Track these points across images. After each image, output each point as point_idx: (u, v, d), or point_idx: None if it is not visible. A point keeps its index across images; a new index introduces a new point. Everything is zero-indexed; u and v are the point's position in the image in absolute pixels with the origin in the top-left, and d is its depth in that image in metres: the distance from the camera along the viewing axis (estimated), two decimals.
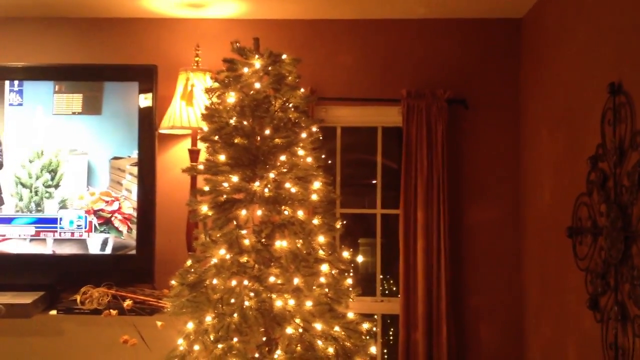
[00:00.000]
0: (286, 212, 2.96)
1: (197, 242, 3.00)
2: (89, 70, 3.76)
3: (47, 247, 3.70)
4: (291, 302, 2.86)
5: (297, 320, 2.86)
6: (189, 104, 3.65)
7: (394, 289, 4.18)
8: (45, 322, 3.49)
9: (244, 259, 2.91)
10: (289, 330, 2.81)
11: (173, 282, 2.96)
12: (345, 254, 3.09)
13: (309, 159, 3.10)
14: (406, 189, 3.86)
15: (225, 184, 3.00)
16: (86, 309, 3.48)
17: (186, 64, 3.81)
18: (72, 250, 3.70)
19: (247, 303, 2.83)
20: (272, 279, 2.88)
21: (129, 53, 3.96)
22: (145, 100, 3.65)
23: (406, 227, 3.83)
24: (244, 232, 2.94)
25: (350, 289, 3.08)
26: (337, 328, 2.94)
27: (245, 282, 2.88)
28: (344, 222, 3.11)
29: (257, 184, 2.95)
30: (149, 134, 3.67)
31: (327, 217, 3.11)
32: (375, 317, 4.14)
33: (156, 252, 3.73)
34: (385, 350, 4.34)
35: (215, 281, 2.93)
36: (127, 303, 3.50)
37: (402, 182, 3.86)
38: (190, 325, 2.92)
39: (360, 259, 3.11)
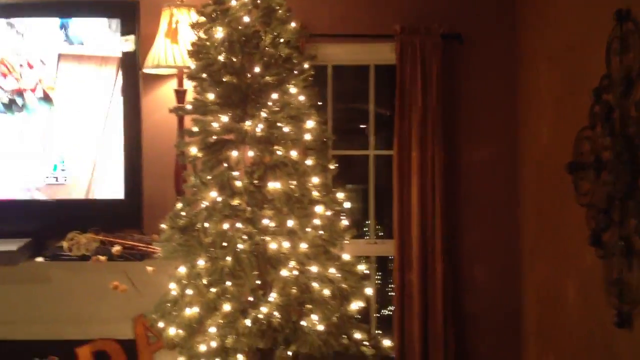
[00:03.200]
0: (279, 153, 2.86)
1: (186, 184, 2.90)
2: (61, 6, 3.55)
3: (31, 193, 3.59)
4: (285, 244, 2.79)
5: (292, 263, 2.79)
6: (174, 41, 3.49)
7: (384, 234, 4.10)
8: (32, 269, 3.39)
9: (235, 201, 2.82)
10: (284, 272, 2.74)
11: (163, 226, 2.88)
12: (340, 195, 3.01)
13: (302, 97, 2.98)
14: (400, 128, 3.75)
15: (215, 124, 2.88)
16: (74, 255, 3.39)
17: None
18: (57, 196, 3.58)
19: (240, 246, 2.75)
20: (265, 222, 2.80)
21: None
22: (127, 40, 3.48)
23: (400, 167, 3.74)
24: (235, 173, 2.84)
25: (346, 230, 3.02)
26: (332, 270, 2.88)
27: (238, 225, 2.80)
28: (336, 165, 3.02)
29: (248, 123, 2.84)
30: (132, 75, 3.51)
31: (321, 157, 3.02)
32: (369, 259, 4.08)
33: (144, 196, 3.63)
34: (380, 293, 4.30)
35: (207, 224, 2.84)
36: (116, 249, 3.41)
37: (396, 122, 3.75)
38: (183, 270, 2.85)
39: (347, 205, 2.99)
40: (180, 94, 3.55)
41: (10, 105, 3.54)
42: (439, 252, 3.68)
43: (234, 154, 2.85)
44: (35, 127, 3.55)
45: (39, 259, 3.44)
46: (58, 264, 3.40)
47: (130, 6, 3.50)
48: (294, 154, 2.88)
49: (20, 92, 3.53)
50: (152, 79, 3.72)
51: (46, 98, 3.54)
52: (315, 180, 2.92)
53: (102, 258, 3.39)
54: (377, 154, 4.02)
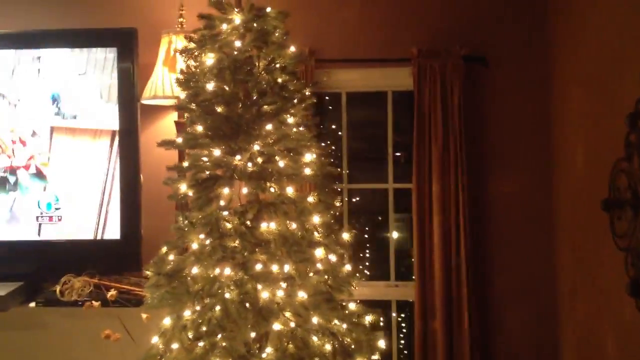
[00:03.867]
0: (272, 190, 2.58)
1: (174, 225, 2.64)
2: (59, 36, 3.38)
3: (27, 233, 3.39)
4: (280, 292, 2.49)
5: (287, 314, 2.49)
6: (172, 70, 3.27)
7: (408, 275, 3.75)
8: (23, 315, 3.18)
9: (229, 243, 2.54)
10: (277, 326, 2.44)
11: (148, 273, 2.61)
12: (345, 236, 2.71)
13: (301, 128, 2.71)
14: (419, 159, 3.43)
15: (205, 159, 2.63)
16: (66, 300, 3.16)
17: (169, 25, 3.42)
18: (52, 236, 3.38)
19: (228, 295, 2.47)
20: (258, 267, 2.51)
21: (105, 16, 3.58)
22: (125, 68, 3.28)
23: (420, 202, 3.41)
24: (226, 213, 2.57)
25: (351, 275, 2.72)
26: (336, 321, 2.57)
27: (228, 272, 2.52)
28: (355, 199, 2.73)
29: (238, 157, 2.57)
30: (130, 106, 3.30)
31: (323, 194, 2.73)
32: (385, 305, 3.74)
33: (144, 236, 3.39)
34: (402, 342, 3.94)
35: (195, 270, 2.57)
36: (111, 293, 3.16)
37: (414, 152, 3.44)
38: (168, 321, 2.58)
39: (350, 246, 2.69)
40: (180, 126, 3.32)
41: (4, 184, 3.37)
42: (465, 297, 3.32)
43: (225, 191, 2.58)
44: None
45: (32, 305, 3.22)
46: (51, 309, 3.17)
47: (128, 34, 3.30)
48: (290, 190, 2.60)
49: (13, 170, 3.37)
50: (151, 111, 3.51)
51: (39, 174, 3.36)
52: (317, 219, 2.63)
53: (96, 304, 3.14)
54: (397, 187, 3.70)
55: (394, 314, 3.70)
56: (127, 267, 3.33)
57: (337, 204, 2.76)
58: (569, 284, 3.24)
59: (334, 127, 3.78)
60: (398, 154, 3.74)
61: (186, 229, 2.57)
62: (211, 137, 2.64)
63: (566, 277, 3.28)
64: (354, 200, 3.80)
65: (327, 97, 3.74)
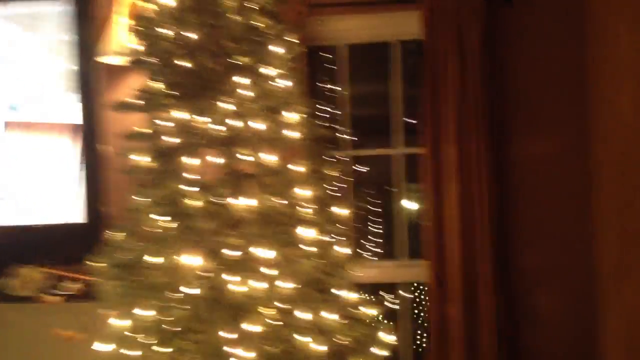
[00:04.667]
0: (251, 159, 2.10)
1: (130, 205, 2.16)
2: None
3: None
4: (261, 284, 2.02)
5: (267, 310, 2.02)
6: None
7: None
8: None
9: (197, 226, 2.07)
10: (253, 326, 1.97)
11: (96, 264, 2.14)
12: (344, 212, 2.23)
13: (286, 83, 2.21)
14: (432, 120, 2.92)
15: (168, 123, 2.15)
16: (21, 295, 2.72)
17: None
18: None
19: (196, 291, 2.00)
20: (234, 254, 2.04)
21: None
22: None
23: (433, 168, 2.91)
24: (195, 189, 2.09)
25: (355, 257, 2.26)
26: (331, 316, 2.10)
27: (198, 261, 2.04)
28: (360, 168, 2.25)
29: (205, 119, 2.08)
30: (87, 68, 2.82)
31: (315, 162, 2.25)
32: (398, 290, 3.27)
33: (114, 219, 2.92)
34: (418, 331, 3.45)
35: (157, 260, 2.10)
36: (78, 287, 2.74)
37: (426, 112, 2.93)
38: (125, 322, 2.11)
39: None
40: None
41: None
42: (489, 278, 2.83)
43: (192, 161, 2.10)
44: None
45: None
46: (3, 306, 2.74)
47: None
48: (272, 159, 2.11)
49: None
50: (118, 72, 3.00)
51: None
52: (306, 193, 2.14)
53: (54, 298, 2.71)
54: (407, 152, 3.19)
55: (403, 298, 3.21)
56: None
57: (332, 174, 2.28)
58: (613, 262, 2.73)
59: (331, 86, 3.26)
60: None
61: (145, 210, 2.09)
62: (175, 97, 2.16)
63: (610, 254, 2.77)
64: (360, 169, 3.30)
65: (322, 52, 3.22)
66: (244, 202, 2.06)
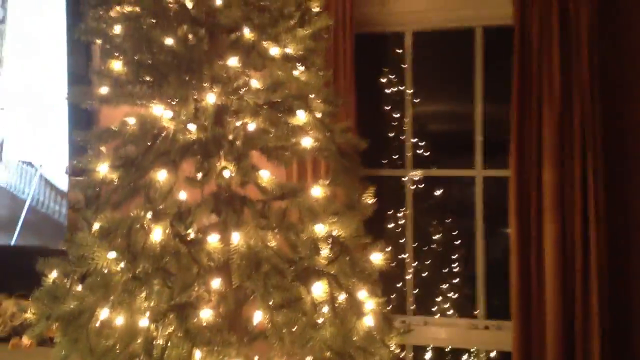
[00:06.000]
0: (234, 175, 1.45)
1: (71, 236, 1.54)
2: None
3: None
4: None
5: None
6: None
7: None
8: None
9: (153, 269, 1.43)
10: None
11: (27, 314, 1.54)
12: (376, 258, 1.53)
13: (300, 68, 1.56)
14: (522, 133, 2.16)
15: (132, 121, 1.54)
16: None
17: None
18: None
19: None
20: (204, 315, 1.39)
21: None
22: None
23: (521, 198, 2.15)
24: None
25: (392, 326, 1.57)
26: None
27: (152, 322, 1.40)
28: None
29: (185, 116, 1.46)
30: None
31: (342, 183, 1.57)
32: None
33: None
34: None
35: (105, 313, 1.47)
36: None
37: (514, 122, 2.17)
38: None
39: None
40: None
41: None
42: (597, 353, 2.03)
43: (160, 176, 1.47)
44: None
45: None
46: None
47: None
48: (265, 176, 1.46)
49: None
50: None
51: None
52: (320, 229, 1.47)
53: (27, 341, 2.15)
54: (488, 175, 2.44)
55: None
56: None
57: (368, 201, 1.59)
58: None
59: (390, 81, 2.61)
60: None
61: (88, 242, 1.47)
62: (148, 85, 1.54)
63: None
64: (420, 191, 2.60)
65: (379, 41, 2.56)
66: (216, 240, 1.41)
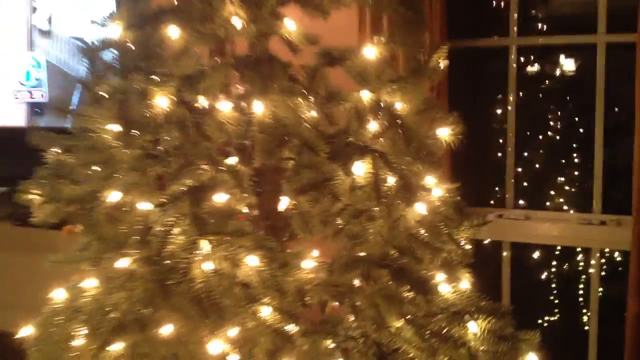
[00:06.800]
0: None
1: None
2: None
3: None
4: None
5: None
6: None
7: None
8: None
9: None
10: None
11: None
12: (443, 133, 1.19)
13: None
14: None
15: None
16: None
17: None
18: None
19: None
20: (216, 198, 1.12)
21: None
22: None
23: None
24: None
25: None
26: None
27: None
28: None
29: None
30: None
31: (404, 41, 1.22)
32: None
33: None
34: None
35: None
36: None
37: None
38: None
39: None
40: None
41: None
42: None
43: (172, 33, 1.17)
44: None
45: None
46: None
47: None
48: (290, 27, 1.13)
49: None
50: None
51: None
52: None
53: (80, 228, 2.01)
54: (610, 40, 1.96)
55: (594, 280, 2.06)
56: None
57: (438, 64, 1.22)
58: None
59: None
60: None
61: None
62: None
63: None
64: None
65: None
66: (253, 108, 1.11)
